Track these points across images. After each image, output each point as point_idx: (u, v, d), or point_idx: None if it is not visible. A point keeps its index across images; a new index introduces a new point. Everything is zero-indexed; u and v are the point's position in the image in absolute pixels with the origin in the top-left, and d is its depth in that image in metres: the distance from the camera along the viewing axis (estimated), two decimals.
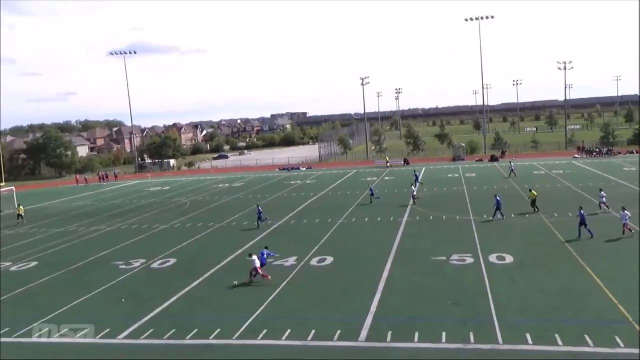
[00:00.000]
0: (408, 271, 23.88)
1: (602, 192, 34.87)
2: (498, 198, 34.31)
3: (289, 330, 17.58)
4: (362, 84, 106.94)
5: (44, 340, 18.40)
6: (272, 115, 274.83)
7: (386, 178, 62.96)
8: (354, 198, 47.43)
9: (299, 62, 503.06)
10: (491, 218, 33.94)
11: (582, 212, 27.54)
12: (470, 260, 24.85)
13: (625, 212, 27.10)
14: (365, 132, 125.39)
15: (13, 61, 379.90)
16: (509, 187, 48.77)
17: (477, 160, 78.98)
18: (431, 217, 36.31)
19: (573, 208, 32.89)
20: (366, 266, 25.11)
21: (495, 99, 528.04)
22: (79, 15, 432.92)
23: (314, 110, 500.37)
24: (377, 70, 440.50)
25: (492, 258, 24.96)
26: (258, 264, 23.32)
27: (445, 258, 25.44)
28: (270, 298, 21.16)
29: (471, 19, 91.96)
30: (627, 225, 27.00)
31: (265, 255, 24.27)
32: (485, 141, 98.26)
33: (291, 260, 26.73)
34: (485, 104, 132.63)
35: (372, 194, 44.68)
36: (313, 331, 17.39)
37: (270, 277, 23.31)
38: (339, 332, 17.22)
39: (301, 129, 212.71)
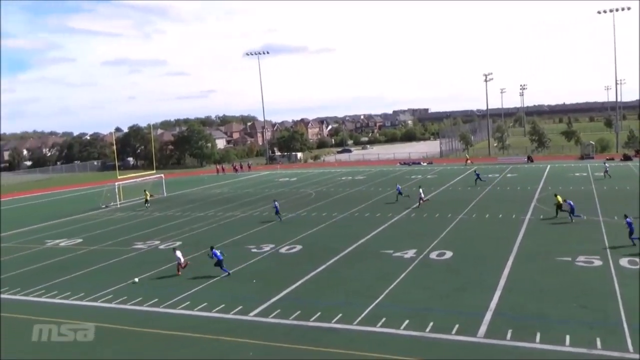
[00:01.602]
0: (530, 269, 23.20)
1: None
2: (570, 202, 33.10)
3: (407, 321, 17.95)
4: (485, 80, 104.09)
5: (187, 312, 20.60)
6: (394, 111, 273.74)
7: (508, 175, 60.59)
8: (475, 194, 46.56)
9: (421, 59, 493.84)
10: (572, 220, 32.44)
11: (629, 219, 26.30)
12: (598, 263, 23.54)
13: None
14: (487, 129, 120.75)
15: (164, 62, 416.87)
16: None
17: (607, 159, 72.79)
18: (556, 216, 34.60)
19: None
20: (486, 262, 24.79)
21: (629, 95, 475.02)
22: (221, 20, 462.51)
23: (436, 106, 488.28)
24: (500, 66, 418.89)
25: (623, 262, 23.41)
26: (182, 260, 25.91)
27: (570, 259, 24.31)
28: (390, 287, 21.76)
29: (604, 11, 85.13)
30: None
31: (219, 253, 25.20)
32: (617, 139, 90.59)
33: (410, 253, 27.11)
34: (619, 100, 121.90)
35: (400, 193, 44.93)
36: (431, 323, 17.63)
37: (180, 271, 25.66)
38: (457, 325, 17.30)
39: (422, 124, 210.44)
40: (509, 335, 16.39)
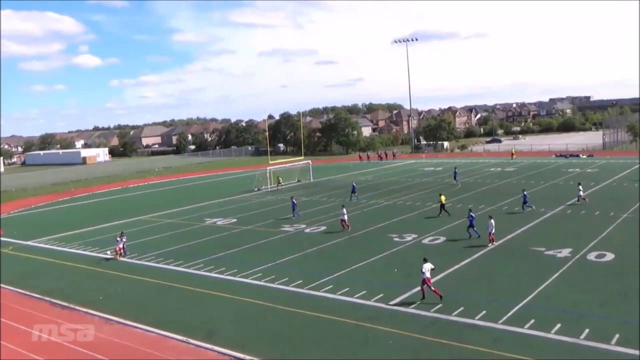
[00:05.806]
0: None
1: (580, 186, 37.77)
2: (525, 193, 36.45)
3: (558, 324, 16.85)
4: None
5: (329, 295, 21.25)
6: (551, 99, 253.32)
7: None
8: None
9: (583, 41, 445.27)
10: (522, 210, 35.36)
11: (472, 214, 29.47)
12: None
13: (491, 220, 27.12)
14: None
15: (315, 52, 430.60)
16: None
17: None
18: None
19: None
20: None
21: None
22: (372, 7, 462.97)
23: (600, 93, 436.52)
24: None
25: None
26: (120, 245, 29.13)
27: None
28: (541, 287, 20.51)
29: None
30: (491, 235, 27.11)
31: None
32: None
33: (565, 252, 25.21)
34: None
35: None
36: (587, 330, 16.36)
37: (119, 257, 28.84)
38: (617, 335, 15.83)
39: (583, 113, 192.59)
40: None
